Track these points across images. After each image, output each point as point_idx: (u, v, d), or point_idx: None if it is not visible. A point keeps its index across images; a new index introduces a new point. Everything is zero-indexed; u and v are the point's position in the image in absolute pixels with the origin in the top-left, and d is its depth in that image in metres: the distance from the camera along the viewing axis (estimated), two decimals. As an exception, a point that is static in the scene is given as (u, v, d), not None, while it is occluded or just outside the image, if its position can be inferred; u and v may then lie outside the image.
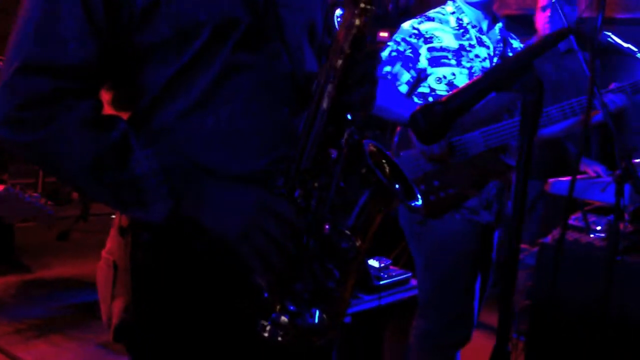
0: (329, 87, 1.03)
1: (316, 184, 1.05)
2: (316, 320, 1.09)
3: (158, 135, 1.07)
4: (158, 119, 1.08)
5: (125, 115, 1.09)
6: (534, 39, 3.26)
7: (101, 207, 4.08)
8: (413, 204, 1.09)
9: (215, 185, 1.06)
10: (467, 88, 0.92)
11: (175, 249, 1.10)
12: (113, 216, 1.22)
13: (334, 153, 1.05)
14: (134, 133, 1.04)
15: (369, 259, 3.09)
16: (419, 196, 1.09)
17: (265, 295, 1.06)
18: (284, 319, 1.07)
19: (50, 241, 3.84)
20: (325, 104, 1.03)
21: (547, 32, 3.19)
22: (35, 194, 1.86)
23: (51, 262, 3.62)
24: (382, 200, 1.07)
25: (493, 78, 0.89)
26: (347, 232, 1.05)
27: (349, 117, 1.05)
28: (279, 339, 1.06)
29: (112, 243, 1.17)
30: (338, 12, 1.24)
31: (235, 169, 1.09)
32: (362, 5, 1.02)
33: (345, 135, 1.05)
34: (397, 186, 1.10)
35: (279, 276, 1.04)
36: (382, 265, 3.14)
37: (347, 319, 2.87)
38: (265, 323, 1.07)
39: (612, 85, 2.41)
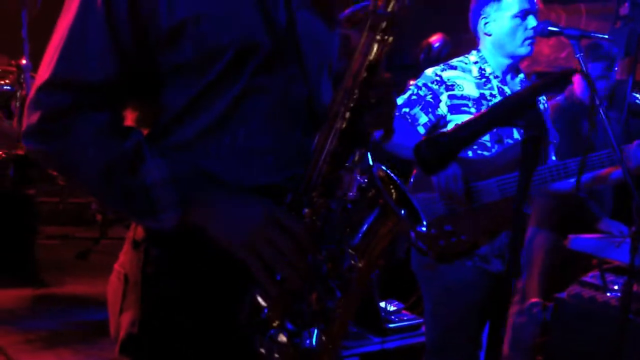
0: (343, 109, 1.07)
1: (324, 203, 1.07)
2: (314, 342, 1.10)
3: (176, 149, 1.11)
4: (177, 135, 1.12)
5: (146, 131, 1.13)
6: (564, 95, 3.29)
7: (120, 231, 4.18)
8: (419, 229, 1.11)
9: (225, 196, 1.09)
10: (471, 122, 0.96)
11: (183, 265, 1.13)
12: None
13: (344, 174, 1.08)
14: (149, 144, 1.08)
15: (381, 301, 3.10)
16: (424, 221, 1.12)
17: (266, 311, 1.08)
18: (282, 336, 1.08)
19: (69, 259, 3.92)
20: (338, 125, 1.07)
21: (582, 91, 3.20)
22: None
23: (67, 280, 3.69)
24: (389, 222, 1.09)
25: (497, 113, 0.93)
26: (351, 252, 1.08)
27: (360, 140, 1.08)
28: (276, 355, 1.07)
29: (125, 257, 1.20)
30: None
31: (248, 183, 1.12)
32: (381, 34, 1.06)
33: (356, 157, 1.08)
34: (403, 210, 1.12)
35: (282, 290, 1.06)
36: (395, 308, 3.14)
37: (356, 360, 2.86)
38: (263, 339, 1.08)
39: (636, 143, 2.41)
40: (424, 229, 1.10)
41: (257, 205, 1.07)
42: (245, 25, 1.10)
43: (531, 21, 2.32)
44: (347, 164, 1.08)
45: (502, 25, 2.37)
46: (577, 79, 3.24)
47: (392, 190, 1.12)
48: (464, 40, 2.67)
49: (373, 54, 1.06)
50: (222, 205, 1.08)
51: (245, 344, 1.10)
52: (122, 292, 1.16)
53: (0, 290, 3.37)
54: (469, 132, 0.95)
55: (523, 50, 2.36)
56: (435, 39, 4.49)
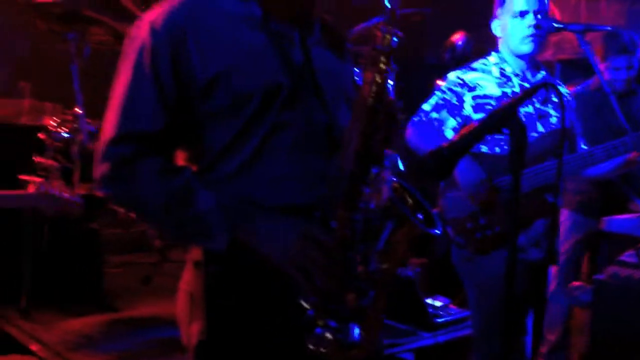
0: (356, 134, 1.24)
1: (348, 216, 1.24)
2: (356, 336, 1.26)
3: (219, 182, 1.31)
4: (220, 170, 1.32)
5: (194, 168, 1.34)
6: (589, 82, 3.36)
7: (178, 254, 4.44)
8: (432, 232, 1.27)
9: (265, 219, 1.28)
10: (467, 133, 1.11)
11: (237, 278, 1.31)
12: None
13: (365, 189, 1.24)
14: (198, 179, 1.29)
15: (427, 297, 3.23)
16: (439, 224, 1.27)
17: (311, 312, 1.25)
18: (327, 334, 1.24)
19: (135, 285, 4.20)
20: (353, 148, 1.24)
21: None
22: (64, 188, 2.08)
23: (135, 303, 3.94)
24: (405, 228, 1.26)
25: (486, 123, 1.08)
26: (376, 256, 1.24)
27: (374, 159, 1.25)
28: (322, 350, 1.24)
29: (188, 275, 1.40)
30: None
31: (281, 203, 1.31)
32: (382, 66, 1.24)
33: (372, 175, 1.25)
34: (420, 216, 1.28)
35: (321, 294, 1.23)
36: (442, 304, 3.27)
37: (410, 355, 3.00)
38: (311, 337, 1.25)
39: None
40: (437, 231, 1.26)
41: (293, 224, 1.26)
42: (268, 70, 1.30)
43: (528, 20, 2.43)
44: (365, 181, 1.25)
45: (505, 25, 2.51)
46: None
47: (408, 199, 1.28)
48: (485, 35, 2.77)
49: (377, 83, 1.24)
50: (263, 226, 1.27)
51: (295, 342, 1.27)
52: (189, 307, 1.36)
53: (76, 318, 3.65)
54: (465, 142, 1.11)
55: (524, 48, 2.47)
56: (458, 37, 4.59)
